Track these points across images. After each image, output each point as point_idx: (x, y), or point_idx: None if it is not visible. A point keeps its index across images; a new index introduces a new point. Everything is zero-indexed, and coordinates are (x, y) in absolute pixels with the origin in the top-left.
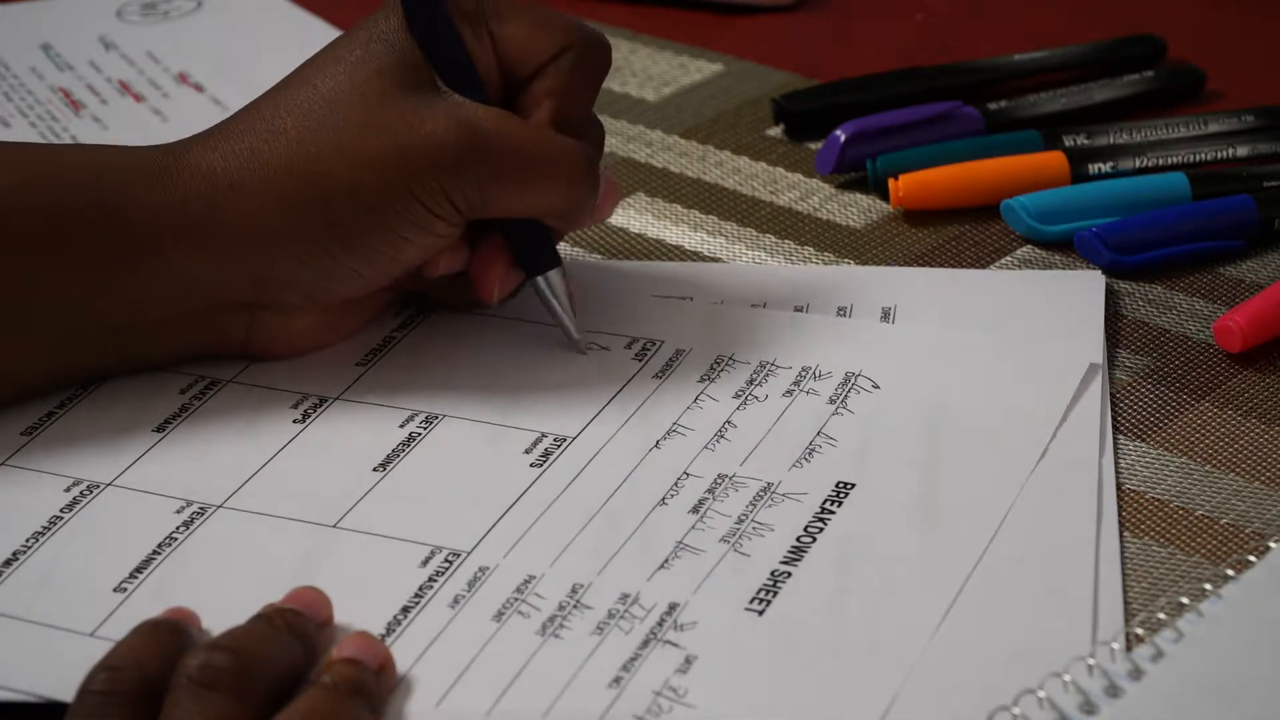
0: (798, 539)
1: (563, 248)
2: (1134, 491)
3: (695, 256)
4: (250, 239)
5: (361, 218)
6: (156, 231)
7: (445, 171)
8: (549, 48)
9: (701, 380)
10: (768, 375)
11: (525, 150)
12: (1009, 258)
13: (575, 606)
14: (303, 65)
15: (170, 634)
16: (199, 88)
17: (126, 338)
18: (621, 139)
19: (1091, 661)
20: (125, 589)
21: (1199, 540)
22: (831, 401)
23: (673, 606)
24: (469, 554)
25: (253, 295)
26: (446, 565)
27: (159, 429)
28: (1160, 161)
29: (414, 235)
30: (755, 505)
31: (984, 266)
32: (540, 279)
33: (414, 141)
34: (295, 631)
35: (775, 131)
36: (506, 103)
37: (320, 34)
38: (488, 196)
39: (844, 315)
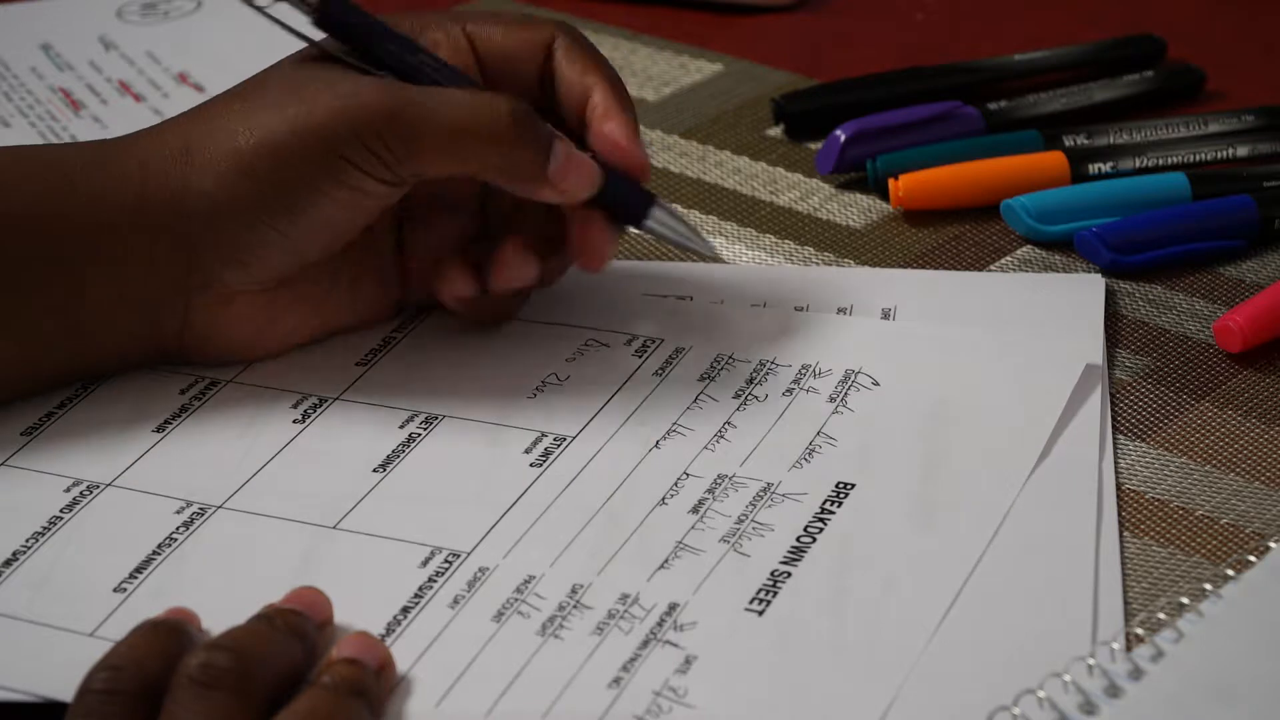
0: (798, 539)
1: None
2: (1134, 491)
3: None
4: (180, 208)
5: (281, 173)
6: (94, 225)
7: (369, 128)
8: (539, 45)
9: (701, 379)
10: (768, 374)
11: (449, 106)
12: (1009, 258)
13: (575, 607)
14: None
15: (170, 634)
16: (199, 88)
17: (64, 337)
18: None
19: (1091, 661)
20: (125, 589)
21: (1199, 540)
22: (831, 400)
23: (673, 606)
24: (469, 554)
25: (186, 272)
26: (446, 565)
27: (159, 429)
28: (1160, 161)
29: (340, 193)
30: (755, 505)
31: (984, 267)
32: (649, 221)
33: (336, 103)
34: (295, 631)
35: (775, 131)
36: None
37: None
38: (417, 155)
39: (844, 315)
